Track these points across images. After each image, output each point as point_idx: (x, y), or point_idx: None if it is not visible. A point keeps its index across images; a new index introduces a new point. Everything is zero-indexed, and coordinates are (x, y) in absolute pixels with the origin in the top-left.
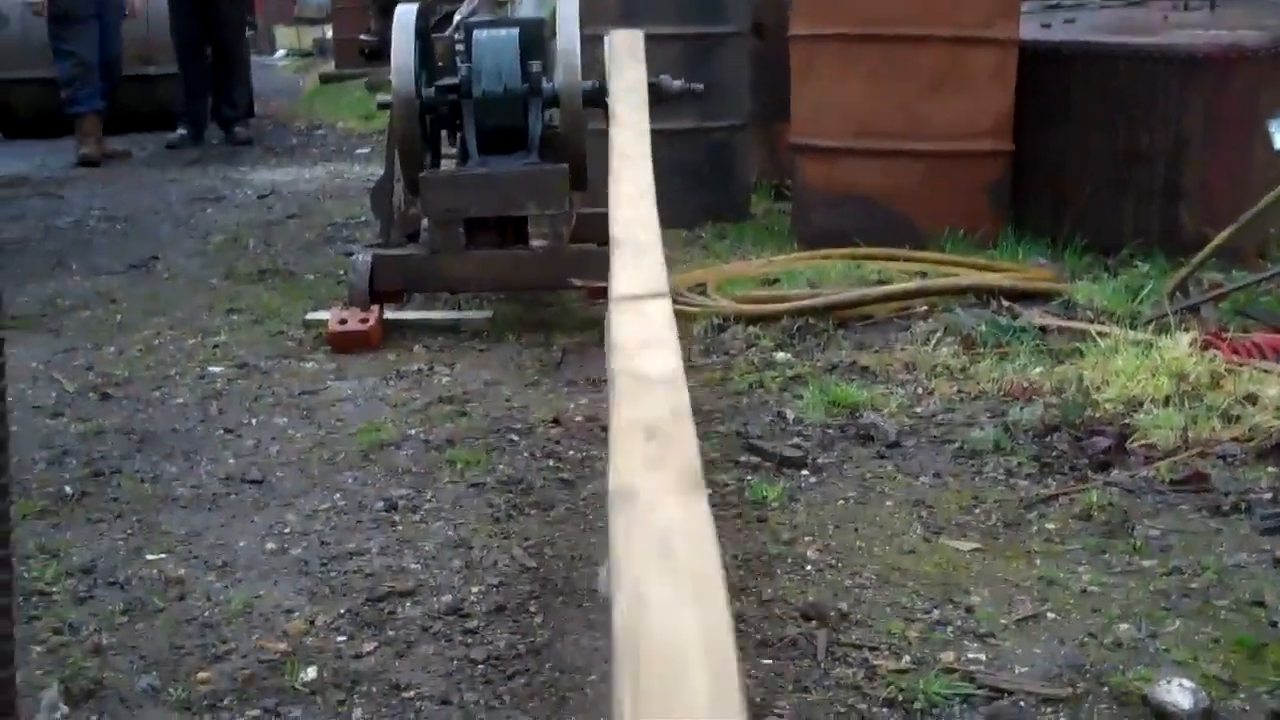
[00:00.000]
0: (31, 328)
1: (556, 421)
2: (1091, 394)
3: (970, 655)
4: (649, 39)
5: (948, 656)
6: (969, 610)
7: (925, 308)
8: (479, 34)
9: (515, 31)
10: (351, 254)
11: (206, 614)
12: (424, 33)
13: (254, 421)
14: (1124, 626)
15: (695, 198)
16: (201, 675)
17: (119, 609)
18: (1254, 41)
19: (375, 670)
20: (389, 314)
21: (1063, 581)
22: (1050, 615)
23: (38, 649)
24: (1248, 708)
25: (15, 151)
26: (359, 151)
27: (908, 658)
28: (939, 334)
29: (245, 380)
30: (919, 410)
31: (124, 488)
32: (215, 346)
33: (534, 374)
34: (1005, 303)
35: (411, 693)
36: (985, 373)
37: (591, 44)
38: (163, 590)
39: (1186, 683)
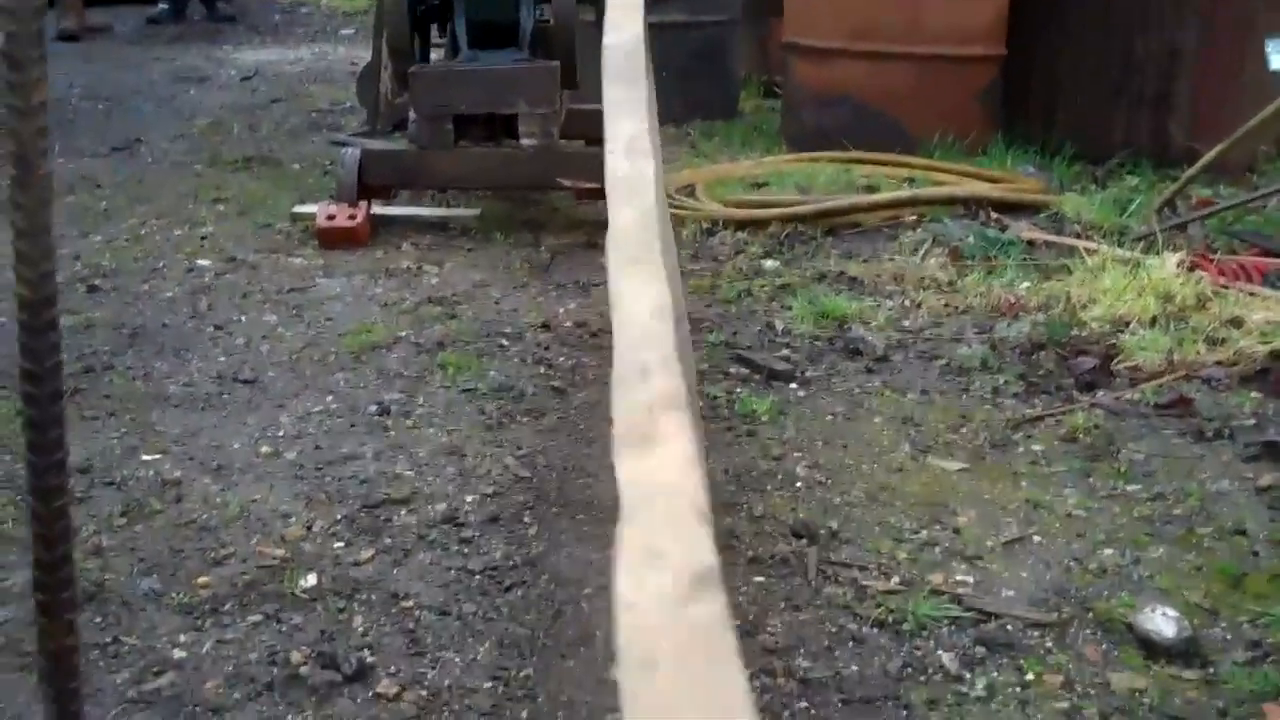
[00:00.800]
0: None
1: (546, 326)
2: (1078, 313)
3: (958, 577)
4: None
5: (936, 578)
6: (956, 532)
7: (914, 217)
8: None
9: None
10: (338, 143)
11: (204, 517)
12: None
13: (243, 319)
14: (1108, 552)
15: (684, 94)
16: (201, 580)
17: (117, 510)
18: None
19: (374, 579)
20: (376, 209)
21: (1048, 504)
22: (1036, 539)
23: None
24: (1229, 636)
25: None
26: (344, 33)
27: (897, 578)
28: (927, 244)
29: (234, 275)
30: (906, 324)
31: (116, 385)
32: (203, 239)
33: (523, 276)
34: (994, 215)
35: (410, 602)
36: (972, 287)
37: None
38: (160, 492)
39: (1170, 611)
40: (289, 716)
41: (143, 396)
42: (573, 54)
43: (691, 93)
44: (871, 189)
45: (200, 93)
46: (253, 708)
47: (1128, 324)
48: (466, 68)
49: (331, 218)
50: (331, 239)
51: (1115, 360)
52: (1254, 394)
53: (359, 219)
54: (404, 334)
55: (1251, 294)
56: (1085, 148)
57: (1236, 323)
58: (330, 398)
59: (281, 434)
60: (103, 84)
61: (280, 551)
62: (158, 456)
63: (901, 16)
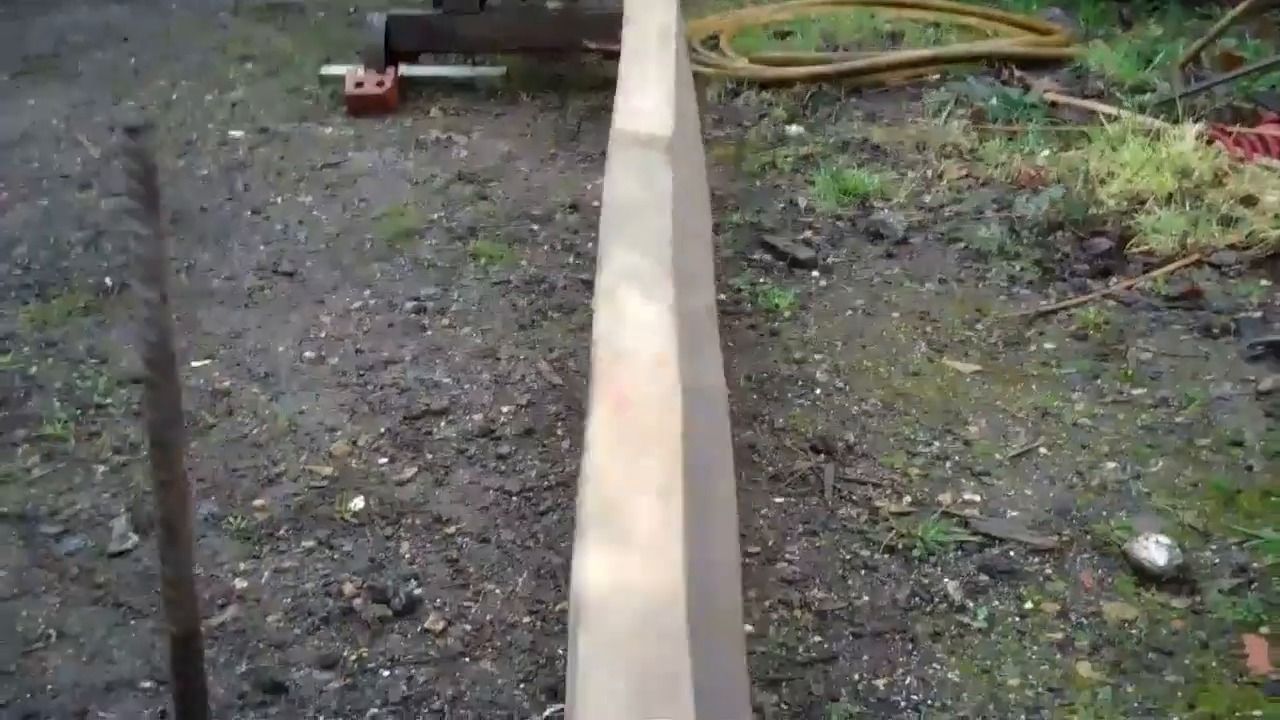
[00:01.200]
0: (46, 72)
1: (574, 207)
2: (1096, 188)
3: (966, 496)
4: None
5: (945, 498)
6: (967, 444)
7: (937, 76)
8: None
9: None
10: None
11: (255, 432)
12: None
13: (279, 200)
14: (1110, 465)
15: None
16: (257, 503)
17: None
18: None
19: (418, 501)
20: (404, 70)
21: (1056, 412)
22: (1043, 450)
23: (102, 469)
24: (1217, 560)
25: None
26: None
27: (908, 498)
28: (950, 105)
29: (267, 148)
30: (928, 199)
31: None
32: (234, 105)
33: (550, 146)
34: (1017, 73)
35: (453, 528)
36: (993, 154)
37: None
38: (212, 404)
39: (1163, 539)
40: (345, 651)
41: (188, 292)
42: None
43: None
44: (895, 36)
45: None
46: (311, 642)
47: (1144, 201)
48: None
49: (360, 85)
50: (360, 106)
51: (1130, 243)
52: (1263, 280)
53: (387, 85)
54: (436, 217)
55: (1269, 169)
56: None
57: (1250, 201)
58: (368, 292)
59: (324, 335)
60: None
61: (329, 470)
62: (207, 362)
63: None
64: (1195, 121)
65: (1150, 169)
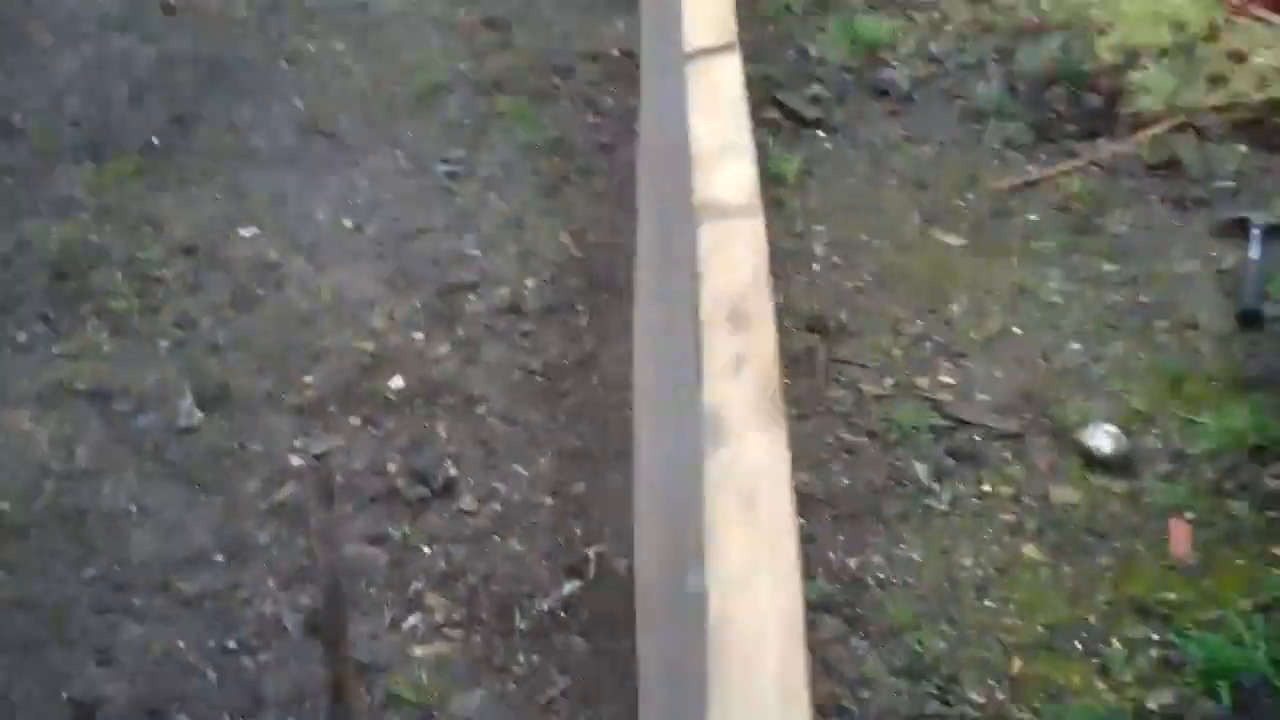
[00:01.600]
0: None
1: (595, 58)
2: (1094, 40)
3: (942, 379)
4: None
5: (924, 382)
6: (948, 324)
7: None
8: None
9: None
10: None
11: (303, 306)
12: None
13: (313, 48)
14: (1074, 347)
15: None
16: (307, 379)
17: (227, 300)
18: None
19: (451, 380)
20: None
21: (1032, 289)
22: (1015, 331)
23: (165, 344)
24: (1159, 446)
25: None
26: None
27: (890, 380)
28: None
29: None
30: (933, 49)
31: (205, 139)
32: None
33: None
34: None
35: (483, 408)
36: None
37: None
38: (263, 277)
39: (1110, 428)
40: (390, 529)
41: (231, 152)
42: None
43: None
44: None
45: None
46: (361, 521)
47: (1139, 55)
48: None
49: None
50: None
51: (1120, 100)
52: (1241, 147)
53: None
54: (464, 68)
55: (1262, 20)
56: None
57: (1240, 57)
58: (400, 153)
59: (360, 201)
60: None
61: (370, 346)
62: (255, 232)
63: None
64: None
65: (1148, 21)
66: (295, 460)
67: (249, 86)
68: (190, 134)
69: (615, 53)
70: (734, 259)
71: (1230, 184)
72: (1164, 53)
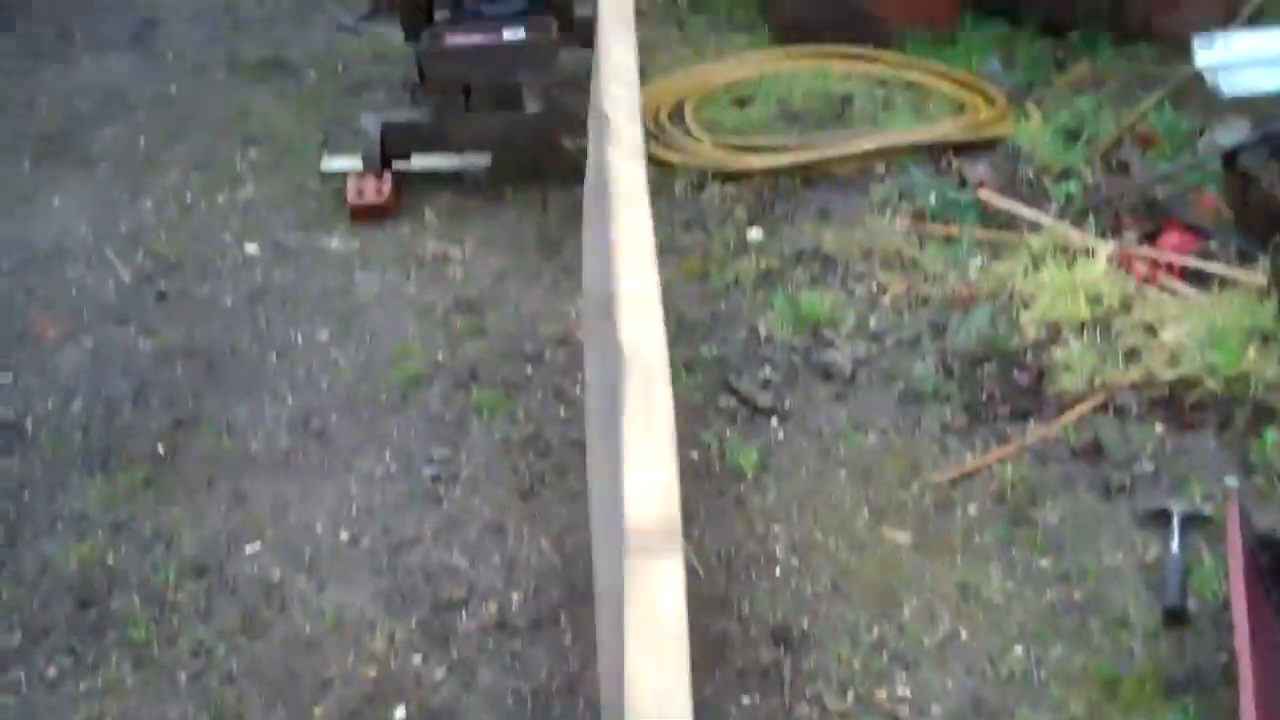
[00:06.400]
0: (62, 157)
1: (562, 341)
2: (1019, 313)
3: (899, 691)
4: None
5: (882, 694)
6: (900, 629)
7: (882, 167)
8: None
9: None
10: (344, 28)
11: (309, 630)
12: None
13: (299, 338)
14: (1018, 651)
15: None
16: (316, 711)
17: (238, 625)
18: None
19: (450, 708)
20: (398, 165)
21: (976, 588)
22: (963, 635)
23: (183, 675)
24: None
25: None
26: None
27: (851, 693)
28: (895, 198)
29: (281, 270)
30: (872, 324)
31: (207, 443)
32: (245, 210)
33: (536, 260)
34: (954, 162)
35: None
36: (932, 262)
37: None
38: (267, 599)
39: None
40: None
41: (232, 458)
42: (570, 4)
43: None
44: (847, 100)
45: None
46: None
47: (1060, 330)
48: (473, 41)
49: (361, 193)
50: (364, 214)
51: (1045, 378)
52: (1158, 427)
53: (385, 193)
54: (441, 358)
55: (1170, 292)
56: (1048, 20)
57: (1152, 330)
58: (388, 454)
59: (354, 510)
60: None
61: (372, 673)
62: (258, 547)
63: None
64: (1110, 228)
65: (1067, 295)
66: None
67: (243, 382)
68: (192, 438)
69: (578, 335)
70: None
71: (1150, 467)
72: (1083, 327)
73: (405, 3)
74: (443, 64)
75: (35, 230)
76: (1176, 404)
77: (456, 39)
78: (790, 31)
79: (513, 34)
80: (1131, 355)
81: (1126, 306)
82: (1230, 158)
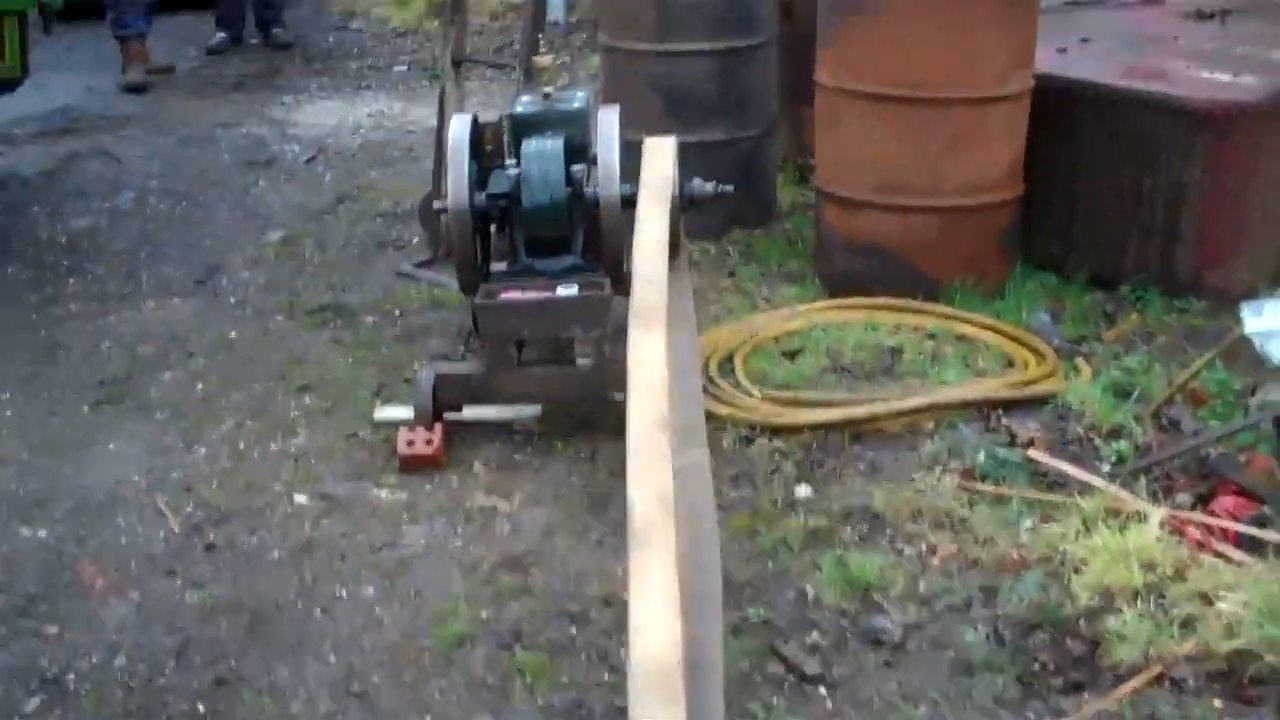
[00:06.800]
0: (122, 402)
1: (608, 602)
2: (1070, 578)
3: None
4: (679, 56)
5: None
6: None
7: (932, 424)
8: (528, 145)
9: (560, 143)
10: (404, 274)
11: None
12: (475, 141)
13: (344, 594)
14: None
15: (721, 206)
16: None
17: None
18: (1254, 95)
19: None
20: (449, 415)
21: None
22: None
23: None
24: None
25: (55, 61)
26: (396, 70)
27: None
28: (944, 455)
29: (329, 520)
30: (921, 588)
31: (247, 705)
32: (296, 459)
33: (584, 514)
34: (1003, 420)
35: None
36: (982, 524)
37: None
38: None
39: None
40: None
41: None
42: (621, 256)
43: (729, 204)
44: (896, 352)
45: (268, 184)
46: None
47: (1114, 597)
48: (528, 298)
49: (411, 444)
50: (413, 464)
51: (1099, 650)
52: (1217, 702)
53: (435, 444)
54: (485, 617)
55: (1226, 559)
56: (1098, 272)
57: (1208, 599)
58: (429, 719)
59: None
60: (174, 169)
61: None
62: None
63: (924, 172)
64: (1161, 489)
65: (1120, 561)
66: None
67: (287, 640)
68: (233, 699)
69: (625, 595)
70: None
71: None
72: (1136, 595)
73: (460, 257)
74: (497, 319)
75: (89, 477)
76: (1235, 678)
77: (510, 295)
78: (840, 283)
79: (566, 290)
80: (1187, 625)
81: (1181, 574)
82: None
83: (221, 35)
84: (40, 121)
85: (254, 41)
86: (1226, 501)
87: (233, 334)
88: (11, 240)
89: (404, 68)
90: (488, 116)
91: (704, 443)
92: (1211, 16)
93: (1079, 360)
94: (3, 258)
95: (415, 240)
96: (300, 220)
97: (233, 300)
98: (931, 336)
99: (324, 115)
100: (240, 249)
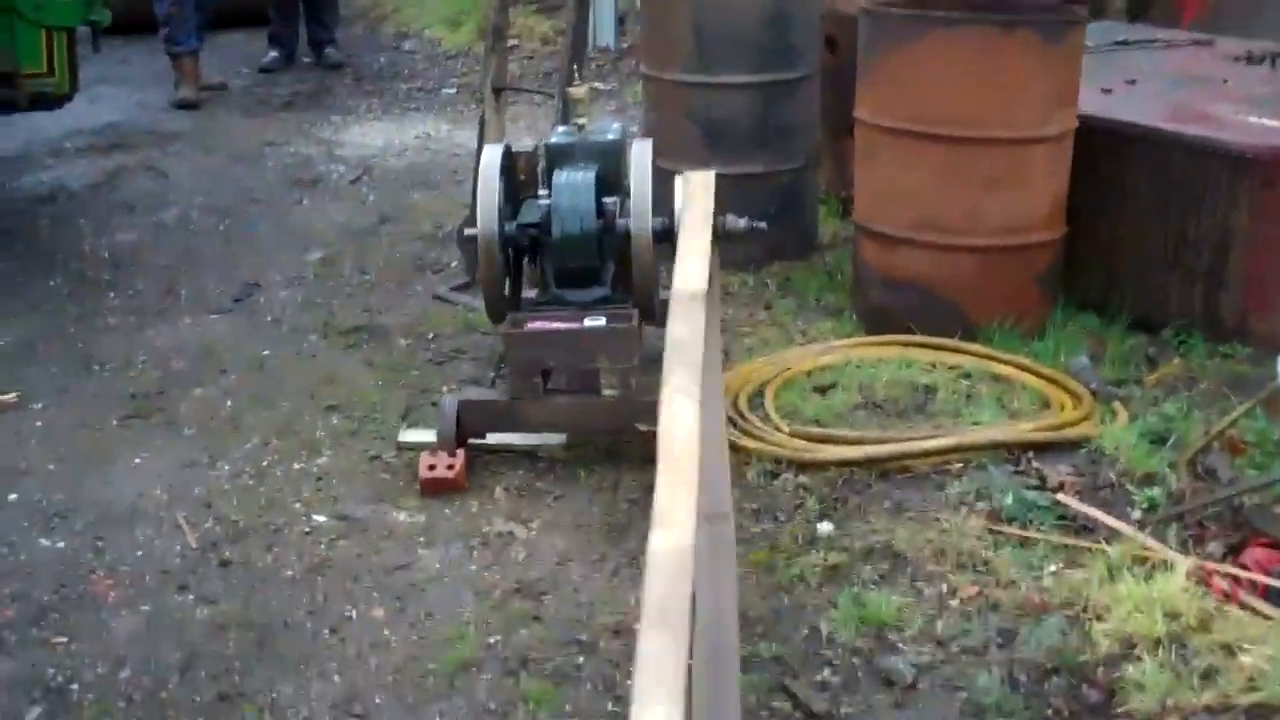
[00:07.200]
0: (151, 416)
1: (618, 633)
2: (1091, 625)
3: None
4: (719, 89)
5: None
6: None
7: (960, 465)
8: (559, 176)
9: (592, 175)
10: (440, 298)
11: None
12: (508, 170)
13: (355, 615)
14: None
15: (761, 238)
16: None
17: None
18: None
19: None
20: (474, 441)
21: None
22: None
23: None
24: None
25: (108, 75)
26: (445, 92)
27: None
28: (971, 496)
29: (346, 541)
30: (939, 629)
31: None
32: (318, 479)
33: (601, 543)
34: (1033, 462)
35: None
36: (1005, 567)
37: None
38: None
39: None
40: None
41: None
42: (652, 291)
43: (768, 237)
44: (930, 390)
45: (313, 203)
46: None
47: (1135, 645)
48: (555, 328)
49: (432, 468)
50: (434, 488)
51: (1114, 697)
52: None
53: (456, 469)
54: (494, 642)
55: (1253, 611)
56: (1142, 314)
57: (1231, 651)
58: None
59: None
60: (220, 186)
61: None
62: None
63: (963, 211)
64: (1192, 538)
65: (1143, 609)
66: None
67: (292, 658)
68: (234, 714)
69: (637, 625)
70: None
71: None
72: (1158, 644)
73: (488, 285)
74: (523, 348)
75: (112, 490)
76: None
77: (537, 324)
78: (876, 318)
79: (594, 321)
80: (1207, 676)
81: (1205, 625)
82: None
83: (274, 54)
84: (90, 136)
85: (306, 60)
86: (1257, 553)
87: (266, 352)
88: (56, 253)
89: (453, 90)
90: (522, 146)
91: (729, 514)
92: (1262, 60)
93: (1116, 404)
94: (47, 269)
95: (454, 264)
96: (341, 240)
97: (269, 318)
98: (967, 376)
99: (372, 136)
100: (280, 267)
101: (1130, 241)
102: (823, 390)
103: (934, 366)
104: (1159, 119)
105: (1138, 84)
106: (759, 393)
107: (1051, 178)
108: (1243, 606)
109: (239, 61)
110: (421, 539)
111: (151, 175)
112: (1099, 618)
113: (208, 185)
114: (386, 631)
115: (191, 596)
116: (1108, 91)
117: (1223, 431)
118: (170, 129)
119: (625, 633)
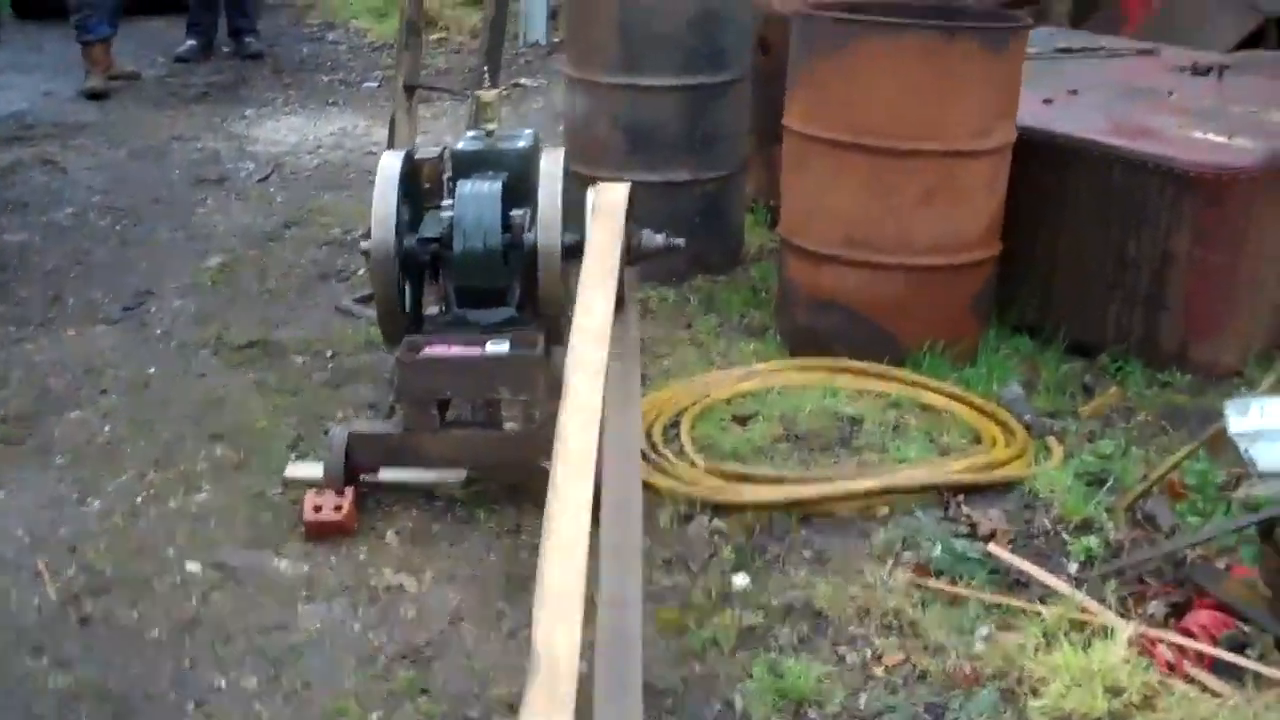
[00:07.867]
0: (21, 444)
1: (512, 708)
2: (1025, 702)
3: None
4: (645, 91)
5: None
6: None
7: (886, 509)
8: (463, 186)
9: (498, 186)
10: (342, 310)
11: None
12: (408, 176)
13: (223, 684)
14: None
15: (685, 248)
16: None
17: None
18: (1248, 159)
19: None
20: (365, 477)
21: None
22: None
23: None
24: None
25: (17, 62)
26: (366, 86)
27: None
28: (897, 546)
29: (220, 594)
30: (861, 706)
31: None
32: (195, 520)
33: (498, 598)
34: (964, 508)
35: None
36: (934, 628)
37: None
38: None
39: None
40: None
41: None
42: (559, 310)
43: (693, 247)
44: (856, 422)
45: (217, 202)
46: None
47: None
48: (453, 355)
49: (318, 509)
50: (319, 531)
51: None
52: None
53: (344, 510)
54: (375, 719)
55: (1199, 685)
56: (1077, 339)
57: None
58: None
59: None
60: (121, 184)
61: None
62: None
63: (893, 228)
64: (1132, 595)
65: (1082, 683)
66: None
67: None
68: None
69: None
70: None
71: None
72: None
73: (382, 305)
74: (419, 376)
75: None
76: None
77: (435, 350)
78: (801, 340)
79: (496, 347)
80: None
81: (1149, 702)
82: (1268, 530)
83: (191, 43)
84: None
85: (225, 50)
86: (1202, 616)
87: (152, 370)
88: None
89: (375, 84)
90: (427, 152)
91: (638, 568)
92: (1208, 71)
93: (1051, 439)
94: None
95: (360, 271)
96: (243, 244)
97: (159, 331)
98: (895, 405)
99: (285, 131)
100: (175, 274)
101: (1068, 261)
102: (743, 420)
103: (860, 395)
104: (1100, 132)
105: (1080, 94)
106: (674, 423)
107: (989, 194)
108: (1189, 679)
109: (155, 49)
110: (303, 593)
111: (49, 170)
112: (1034, 692)
113: (107, 182)
114: (258, 705)
115: (45, 660)
116: (1049, 102)
117: (1162, 476)
118: (75, 120)
119: (518, 705)
